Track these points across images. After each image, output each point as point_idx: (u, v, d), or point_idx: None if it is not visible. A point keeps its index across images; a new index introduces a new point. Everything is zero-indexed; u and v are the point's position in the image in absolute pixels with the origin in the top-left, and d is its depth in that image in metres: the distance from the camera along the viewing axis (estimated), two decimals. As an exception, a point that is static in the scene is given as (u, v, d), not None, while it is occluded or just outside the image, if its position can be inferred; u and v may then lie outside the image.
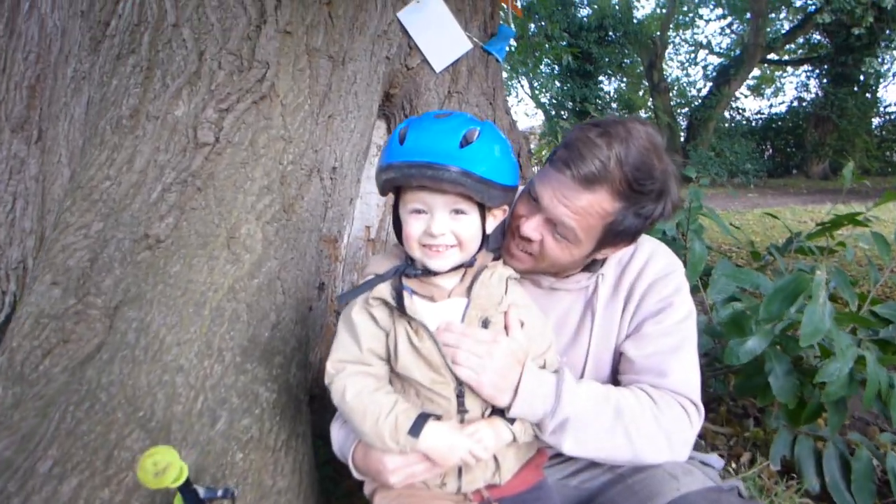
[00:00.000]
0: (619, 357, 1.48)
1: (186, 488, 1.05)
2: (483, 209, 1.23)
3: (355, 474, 1.34)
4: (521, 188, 1.39)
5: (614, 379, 1.49)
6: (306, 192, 1.83)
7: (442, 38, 2.27)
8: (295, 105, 1.82)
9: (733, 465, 2.39)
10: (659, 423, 1.30)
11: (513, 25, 2.62)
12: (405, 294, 1.23)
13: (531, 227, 1.33)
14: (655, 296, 1.44)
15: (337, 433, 1.40)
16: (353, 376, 1.25)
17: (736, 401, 2.96)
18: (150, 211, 1.63)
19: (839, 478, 2.17)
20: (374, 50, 2.12)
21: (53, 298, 1.58)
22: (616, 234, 1.32)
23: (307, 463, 1.61)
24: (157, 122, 1.72)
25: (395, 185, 1.18)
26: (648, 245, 1.52)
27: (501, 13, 2.70)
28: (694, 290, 2.47)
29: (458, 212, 1.19)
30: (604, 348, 1.48)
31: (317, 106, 1.87)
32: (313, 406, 2.07)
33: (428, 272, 1.25)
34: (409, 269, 1.26)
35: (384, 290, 1.24)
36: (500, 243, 1.50)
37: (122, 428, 1.35)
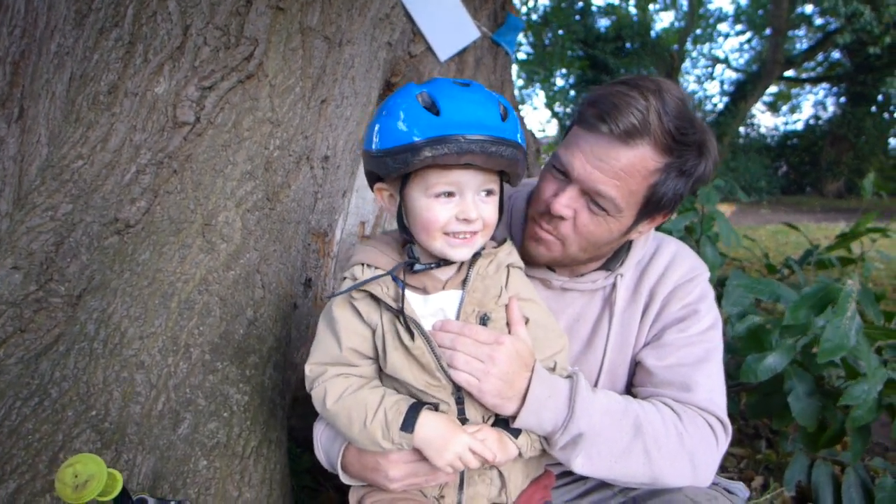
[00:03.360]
0: (635, 367, 1.33)
1: (124, 502, 0.92)
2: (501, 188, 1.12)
3: (345, 479, 1.21)
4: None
5: (629, 392, 1.34)
6: (294, 181, 1.71)
7: (448, 26, 2.14)
8: (285, 87, 1.69)
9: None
10: (683, 441, 1.15)
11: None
12: (397, 288, 1.10)
13: (563, 202, 1.18)
14: (678, 302, 1.29)
15: (321, 434, 1.26)
16: (333, 379, 1.12)
17: (747, 420, 2.81)
18: (122, 193, 1.51)
19: (860, 508, 2.00)
20: (375, 34, 1.99)
21: (13, 284, 1.46)
22: (659, 200, 1.18)
23: (279, 472, 1.47)
24: (136, 98, 1.60)
25: (438, 162, 1.00)
26: (671, 246, 1.38)
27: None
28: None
29: (489, 192, 1.07)
30: (620, 357, 1.33)
31: (309, 89, 1.74)
32: (296, 409, 1.94)
33: (438, 264, 1.11)
34: (418, 265, 1.11)
35: (378, 286, 1.10)
36: (506, 232, 1.36)
37: (70, 428, 1.22)
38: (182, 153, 1.55)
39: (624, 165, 1.12)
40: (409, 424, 1.03)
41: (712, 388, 1.23)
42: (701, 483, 1.18)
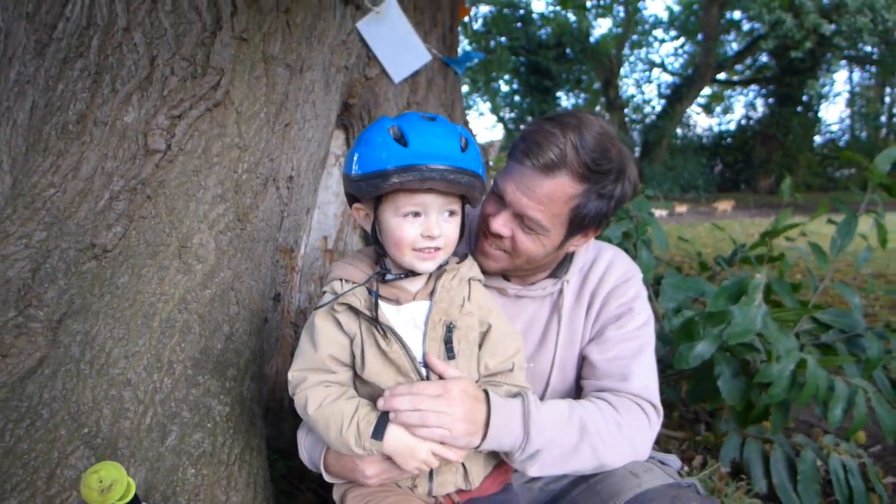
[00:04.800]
0: (581, 361, 1.51)
1: (134, 505, 1.01)
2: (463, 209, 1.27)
3: (327, 478, 1.34)
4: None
5: (578, 384, 1.52)
6: (261, 202, 1.81)
7: (401, 50, 2.28)
8: (250, 113, 1.79)
9: (686, 468, 2.44)
10: (622, 430, 1.34)
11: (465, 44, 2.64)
12: (370, 298, 1.23)
13: (500, 223, 1.36)
14: (616, 301, 1.49)
15: (304, 439, 1.39)
16: (314, 388, 1.24)
17: (688, 407, 3.04)
18: (97, 220, 1.58)
19: (786, 479, 2.24)
20: (333, 59, 2.11)
21: (-9, 311, 1.51)
22: (583, 219, 1.35)
23: (262, 477, 1.57)
24: (106, 128, 1.67)
25: (406, 188, 1.14)
26: (609, 252, 1.57)
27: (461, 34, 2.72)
28: (646, 299, 2.53)
29: (451, 213, 1.22)
30: (569, 354, 1.52)
31: (273, 114, 1.85)
32: (269, 419, 2.03)
33: (407, 275, 1.25)
34: (389, 275, 1.26)
35: (353, 296, 1.23)
36: (467, 248, 1.51)
37: (65, 445, 1.30)
38: (155, 179, 1.63)
39: (546, 192, 1.31)
40: (379, 432, 1.17)
41: (646, 377, 1.43)
42: (639, 459, 1.38)
